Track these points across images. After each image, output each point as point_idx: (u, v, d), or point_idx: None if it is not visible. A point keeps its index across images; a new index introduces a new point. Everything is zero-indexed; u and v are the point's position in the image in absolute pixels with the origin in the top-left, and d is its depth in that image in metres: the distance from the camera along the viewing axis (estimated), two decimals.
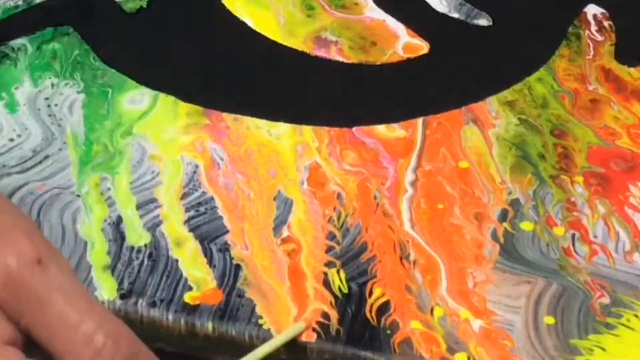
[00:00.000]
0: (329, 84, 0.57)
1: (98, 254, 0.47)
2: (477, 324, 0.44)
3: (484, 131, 0.54)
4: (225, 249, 0.47)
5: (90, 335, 0.35)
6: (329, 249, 0.47)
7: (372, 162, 0.52)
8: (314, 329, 0.44)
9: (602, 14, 0.61)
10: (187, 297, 0.45)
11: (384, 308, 0.45)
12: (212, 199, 0.49)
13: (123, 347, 0.36)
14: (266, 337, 0.44)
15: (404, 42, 0.59)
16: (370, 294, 0.45)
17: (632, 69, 0.58)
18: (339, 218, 0.49)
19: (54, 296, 0.36)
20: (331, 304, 0.45)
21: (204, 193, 0.49)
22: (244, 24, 0.60)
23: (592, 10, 0.62)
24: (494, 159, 0.52)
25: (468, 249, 0.48)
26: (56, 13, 0.60)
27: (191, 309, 0.45)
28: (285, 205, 0.49)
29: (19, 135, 0.52)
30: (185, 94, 0.55)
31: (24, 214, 0.44)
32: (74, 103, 0.54)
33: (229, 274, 0.46)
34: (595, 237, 0.48)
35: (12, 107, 0.54)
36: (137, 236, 0.48)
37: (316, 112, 0.55)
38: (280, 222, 0.48)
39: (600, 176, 0.51)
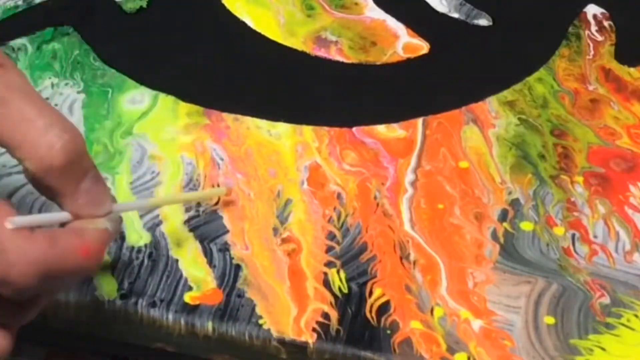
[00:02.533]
0: (329, 84, 0.57)
1: None
2: (477, 324, 0.44)
3: (484, 131, 0.54)
4: (225, 249, 0.47)
5: (47, 127, 0.37)
6: (329, 249, 0.47)
7: (372, 162, 0.52)
8: (314, 329, 0.44)
9: (602, 14, 0.61)
10: (187, 297, 0.45)
11: (384, 308, 0.45)
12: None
13: (77, 143, 0.38)
14: (266, 337, 0.44)
15: (404, 42, 0.59)
16: (370, 294, 0.45)
17: (632, 69, 0.58)
18: (339, 218, 0.49)
19: (14, 95, 0.38)
20: (331, 304, 0.45)
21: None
22: (244, 24, 0.60)
23: (592, 10, 0.62)
24: (494, 159, 0.52)
25: (468, 249, 0.48)
26: (56, 13, 0.60)
27: (191, 309, 0.45)
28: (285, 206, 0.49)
29: None
30: (185, 94, 0.55)
31: None
32: (74, 103, 0.54)
33: (229, 274, 0.46)
34: (595, 237, 0.48)
35: None
36: (137, 236, 0.48)
37: (316, 112, 0.55)
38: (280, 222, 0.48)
39: (600, 176, 0.51)
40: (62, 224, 0.39)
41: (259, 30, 0.60)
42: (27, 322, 0.39)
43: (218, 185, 0.50)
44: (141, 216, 0.48)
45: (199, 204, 0.49)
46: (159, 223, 0.48)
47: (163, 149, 0.52)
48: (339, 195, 0.50)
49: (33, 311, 0.39)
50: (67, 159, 0.38)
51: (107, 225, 0.40)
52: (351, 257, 0.47)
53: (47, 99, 0.54)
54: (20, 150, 0.37)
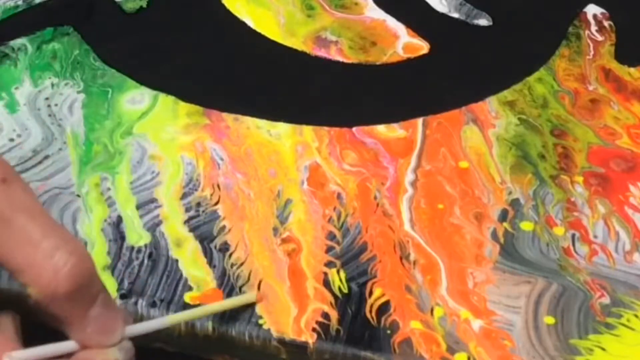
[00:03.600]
0: (329, 84, 0.57)
1: (98, 254, 0.47)
2: (477, 324, 0.44)
3: (484, 131, 0.54)
4: (225, 249, 0.47)
5: (53, 250, 0.35)
6: (329, 249, 0.47)
7: (372, 162, 0.52)
8: (314, 329, 0.44)
9: (602, 14, 0.61)
10: (187, 297, 0.45)
11: (384, 308, 0.45)
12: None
13: (86, 266, 0.36)
14: (266, 337, 0.44)
15: (404, 42, 0.59)
16: (370, 294, 0.45)
17: (632, 69, 0.58)
18: (339, 218, 0.49)
19: (18, 214, 0.36)
20: (331, 304, 0.45)
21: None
22: (244, 24, 0.60)
23: (592, 10, 0.62)
24: (494, 159, 0.52)
25: (468, 249, 0.48)
26: (56, 13, 0.60)
27: (191, 309, 0.44)
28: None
29: (19, 135, 0.52)
30: (185, 94, 0.55)
31: None
32: (74, 103, 0.54)
33: (229, 274, 0.46)
34: (595, 237, 0.48)
35: (12, 107, 0.54)
36: (137, 236, 0.48)
37: (316, 112, 0.55)
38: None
39: (600, 176, 0.51)
40: (69, 354, 0.37)
41: (259, 30, 0.60)
42: None
43: (218, 186, 0.50)
44: (141, 216, 0.48)
45: (199, 204, 0.49)
46: (159, 223, 0.48)
47: (163, 149, 0.52)
48: (339, 195, 0.50)
49: None
50: (74, 285, 0.36)
51: (117, 356, 0.37)
52: (351, 257, 0.47)
53: (47, 99, 0.54)
54: (23, 274, 0.36)
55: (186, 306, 0.45)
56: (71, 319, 0.36)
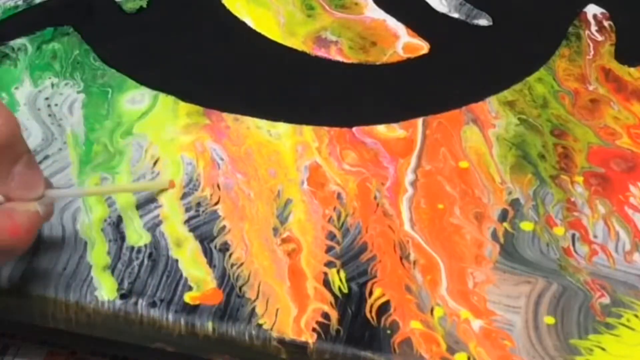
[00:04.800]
0: (329, 84, 0.57)
1: (98, 254, 0.47)
2: (477, 324, 0.44)
3: (484, 131, 0.54)
4: (225, 249, 0.47)
5: None
6: (329, 249, 0.47)
7: (372, 162, 0.52)
8: (314, 329, 0.44)
9: (602, 14, 0.61)
10: (187, 297, 0.45)
11: (384, 308, 0.45)
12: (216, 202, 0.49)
13: (10, 127, 0.40)
14: (266, 337, 0.44)
15: (404, 42, 0.59)
16: (370, 294, 0.45)
17: (632, 69, 0.58)
18: (339, 218, 0.49)
19: None
20: (331, 304, 0.45)
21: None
22: (244, 24, 0.60)
23: (592, 10, 0.62)
24: (494, 159, 0.52)
25: (468, 249, 0.48)
26: (56, 13, 0.60)
27: (191, 309, 0.45)
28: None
29: None
30: (185, 94, 0.55)
31: None
32: (74, 103, 0.54)
33: (229, 274, 0.46)
34: (595, 237, 0.48)
35: (12, 107, 0.54)
36: (137, 236, 0.48)
37: (316, 112, 0.55)
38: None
39: (601, 176, 0.51)
40: None
41: (259, 30, 0.60)
42: None
43: (218, 186, 0.50)
44: (141, 216, 0.48)
45: (199, 204, 0.49)
46: (159, 223, 0.48)
47: (163, 149, 0.52)
48: (339, 195, 0.50)
49: None
50: (1, 142, 0.39)
51: (37, 208, 0.41)
52: (351, 257, 0.47)
53: (47, 99, 0.55)
54: None
55: (186, 306, 0.45)
56: None
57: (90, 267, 0.46)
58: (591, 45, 0.59)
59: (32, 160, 0.42)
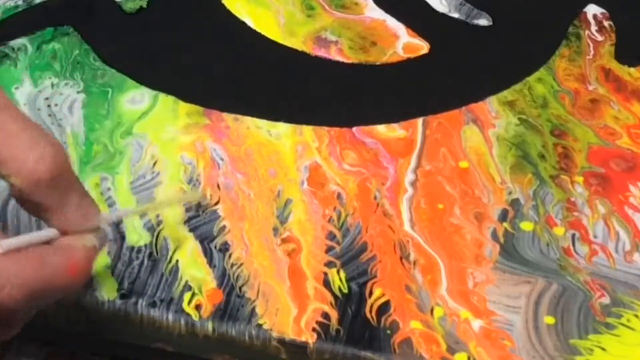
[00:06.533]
0: (329, 84, 0.57)
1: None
2: (477, 324, 0.44)
3: (484, 131, 0.54)
4: (225, 249, 0.47)
5: (32, 142, 0.37)
6: (329, 249, 0.47)
7: (372, 162, 0.52)
8: (314, 329, 0.44)
9: (602, 14, 0.61)
10: (187, 297, 0.45)
11: (384, 308, 0.45)
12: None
13: (62, 155, 0.38)
14: (266, 337, 0.44)
15: (404, 42, 0.59)
16: (370, 294, 0.45)
17: (632, 69, 0.58)
18: (339, 218, 0.49)
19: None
20: (331, 304, 0.45)
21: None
22: (244, 24, 0.60)
23: (592, 10, 0.62)
24: (494, 159, 0.52)
25: (468, 249, 0.48)
26: (56, 13, 0.60)
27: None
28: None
29: None
30: (185, 94, 0.55)
31: None
32: (74, 103, 0.54)
33: (229, 274, 0.46)
34: (595, 237, 0.48)
35: None
36: (137, 236, 0.48)
37: (316, 112, 0.55)
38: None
39: (600, 176, 0.51)
40: (50, 241, 0.39)
41: (259, 30, 0.60)
42: (9, 338, 0.39)
43: (218, 187, 0.50)
44: (141, 216, 0.48)
45: (199, 204, 0.49)
46: (159, 223, 0.48)
47: (163, 149, 0.52)
48: (339, 195, 0.50)
49: (17, 327, 0.39)
50: (55, 172, 0.37)
51: (94, 242, 0.39)
52: (351, 257, 0.47)
53: (47, 99, 0.54)
54: (6, 166, 0.37)
55: (185, 307, 0.45)
56: (52, 206, 0.38)
57: None
58: (591, 45, 0.59)
59: (84, 190, 0.39)
